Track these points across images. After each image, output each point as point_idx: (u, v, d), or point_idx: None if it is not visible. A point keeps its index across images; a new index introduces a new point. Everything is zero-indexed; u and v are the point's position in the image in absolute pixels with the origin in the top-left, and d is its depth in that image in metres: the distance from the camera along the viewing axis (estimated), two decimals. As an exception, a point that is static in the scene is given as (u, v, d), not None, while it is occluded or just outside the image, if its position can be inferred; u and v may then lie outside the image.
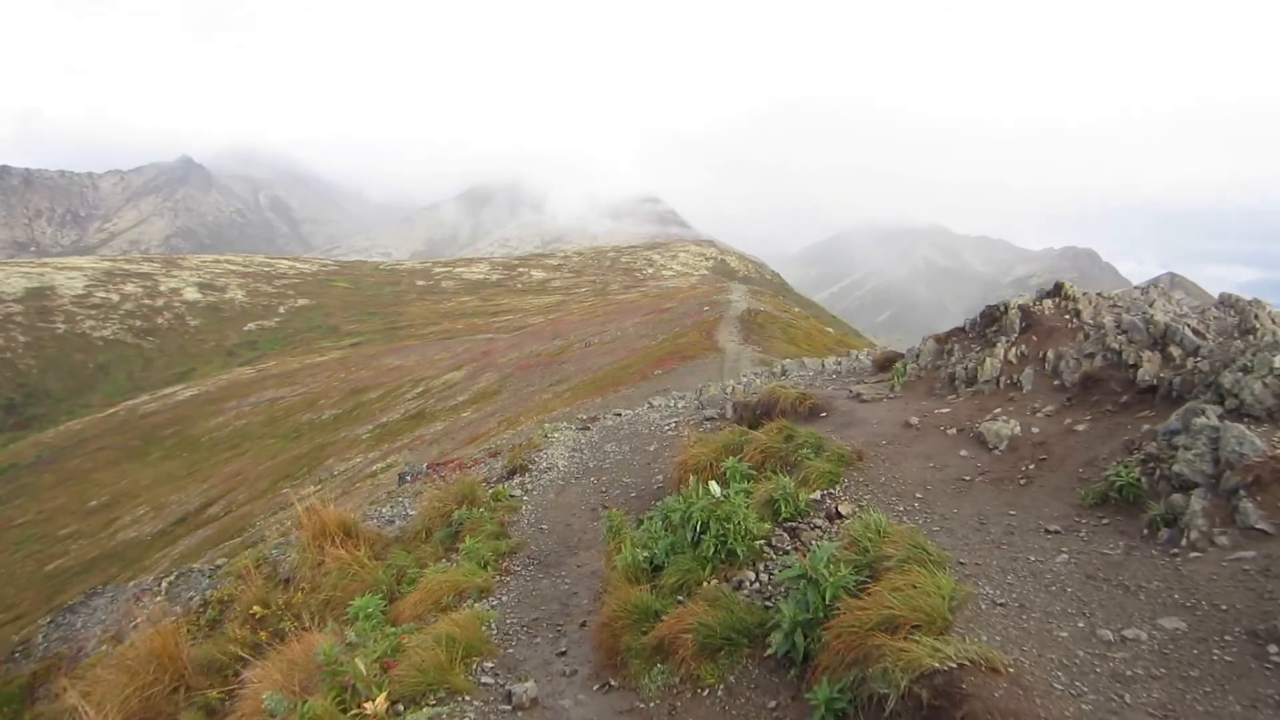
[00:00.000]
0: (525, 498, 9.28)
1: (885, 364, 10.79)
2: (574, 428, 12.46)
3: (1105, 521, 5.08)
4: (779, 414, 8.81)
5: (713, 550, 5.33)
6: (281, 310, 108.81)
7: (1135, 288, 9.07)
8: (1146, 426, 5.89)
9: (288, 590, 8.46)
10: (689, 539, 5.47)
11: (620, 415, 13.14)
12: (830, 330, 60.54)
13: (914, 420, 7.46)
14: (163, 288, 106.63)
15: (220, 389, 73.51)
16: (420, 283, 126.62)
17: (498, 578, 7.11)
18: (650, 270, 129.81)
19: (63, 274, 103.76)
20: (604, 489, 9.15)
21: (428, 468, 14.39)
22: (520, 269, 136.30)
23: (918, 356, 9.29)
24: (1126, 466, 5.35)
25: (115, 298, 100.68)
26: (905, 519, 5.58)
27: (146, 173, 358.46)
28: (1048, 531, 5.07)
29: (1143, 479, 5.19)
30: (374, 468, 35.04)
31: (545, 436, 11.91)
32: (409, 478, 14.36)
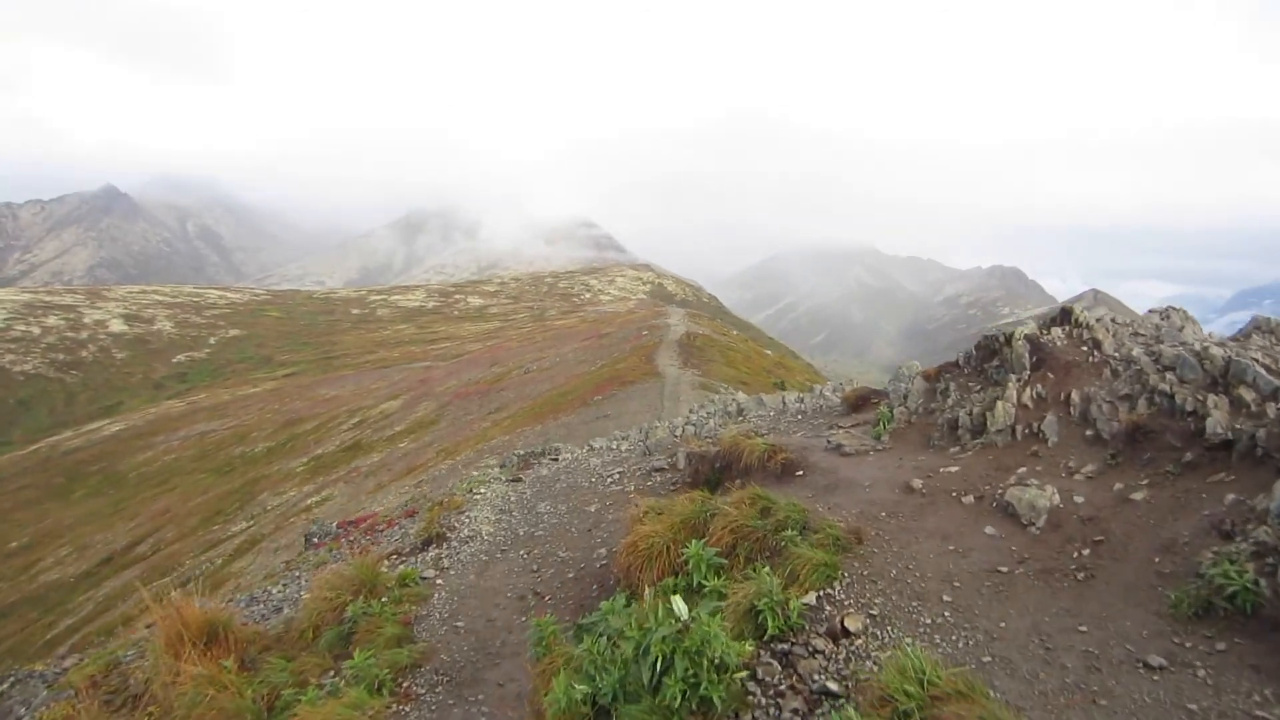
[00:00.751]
0: (439, 579, 7.59)
1: (859, 403, 9.37)
2: (504, 480, 10.81)
3: (1222, 649, 3.64)
4: (744, 471, 7.33)
5: (679, 699, 3.78)
6: (212, 341, 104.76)
7: (1152, 311, 7.79)
8: (1233, 497, 4.52)
9: (134, 716, 6.65)
10: (646, 680, 3.91)
11: (557, 461, 11.54)
12: (769, 352, 59.76)
13: (916, 483, 5.98)
14: (87, 320, 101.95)
15: (148, 423, 69.80)
16: (355, 311, 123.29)
17: (394, 707, 5.44)
18: (588, 295, 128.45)
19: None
20: (535, 566, 7.51)
21: (338, 527, 12.55)
22: (457, 296, 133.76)
23: (905, 397, 7.82)
24: (1232, 561, 3.94)
25: (36, 330, 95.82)
26: (937, 639, 4.09)
27: (69, 202, 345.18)
28: (1146, 666, 3.62)
29: (1262, 582, 3.79)
30: (309, 502, 32.93)
31: (469, 494, 10.22)
32: (315, 540, 12.49)
